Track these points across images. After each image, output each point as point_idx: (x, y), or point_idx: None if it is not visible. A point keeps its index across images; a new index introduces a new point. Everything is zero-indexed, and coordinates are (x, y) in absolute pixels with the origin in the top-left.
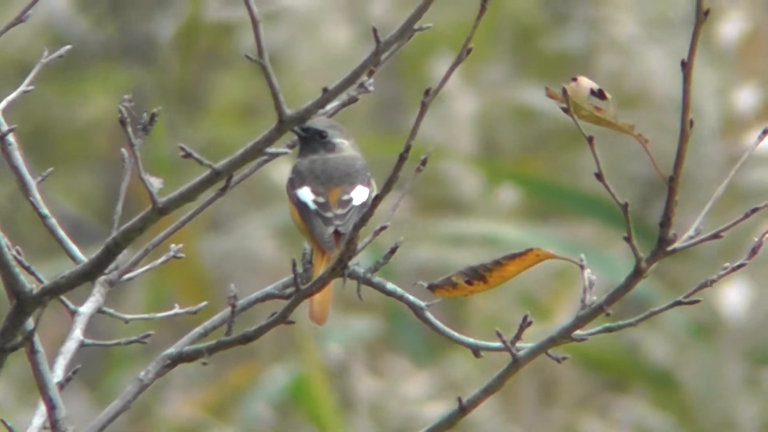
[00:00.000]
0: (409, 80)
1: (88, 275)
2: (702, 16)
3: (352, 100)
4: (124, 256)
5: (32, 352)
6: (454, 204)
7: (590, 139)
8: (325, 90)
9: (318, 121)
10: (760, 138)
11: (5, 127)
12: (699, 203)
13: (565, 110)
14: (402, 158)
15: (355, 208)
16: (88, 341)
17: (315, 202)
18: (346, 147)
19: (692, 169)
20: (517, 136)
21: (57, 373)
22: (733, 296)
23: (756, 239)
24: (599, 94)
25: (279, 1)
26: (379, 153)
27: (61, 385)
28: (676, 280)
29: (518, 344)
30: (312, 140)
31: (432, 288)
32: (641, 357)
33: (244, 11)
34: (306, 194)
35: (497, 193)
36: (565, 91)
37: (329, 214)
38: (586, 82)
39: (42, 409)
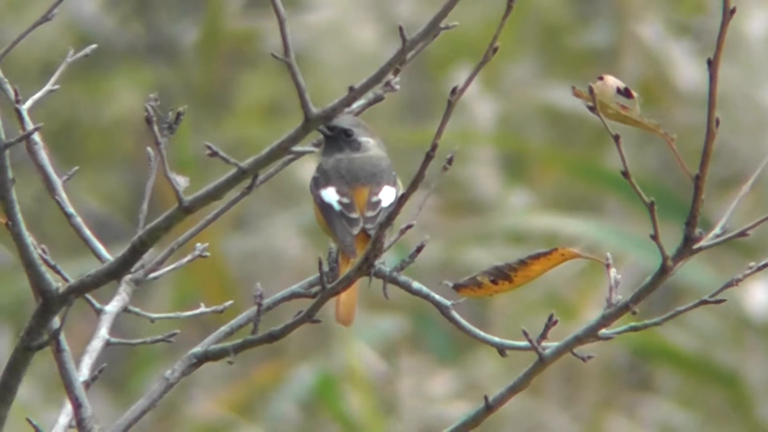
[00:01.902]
0: (435, 80)
1: (113, 274)
2: (728, 15)
3: (378, 98)
4: (150, 255)
5: (58, 351)
6: (476, 205)
7: (617, 138)
8: (351, 88)
9: (343, 120)
10: None
11: (31, 126)
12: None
13: (592, 109)
14: (428, 157)
15: (384, 210)
16: (114, 340)
17: (340, 202)
18: (371, 146)
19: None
20: (543, 134)
21: (83, 372)
22: (759, 295)
23: None
24: (625, 93)
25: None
26: (407, 145)
27: (87, 384)
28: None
29: (544, 343)
30: (337, 139)
31: (457, 287)
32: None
33: (271, 11)
34: (331, 195)
35: (516, 193)
36: (591, 90)
37: (354, 215)
38: (612, 81)
39: (68, 407)
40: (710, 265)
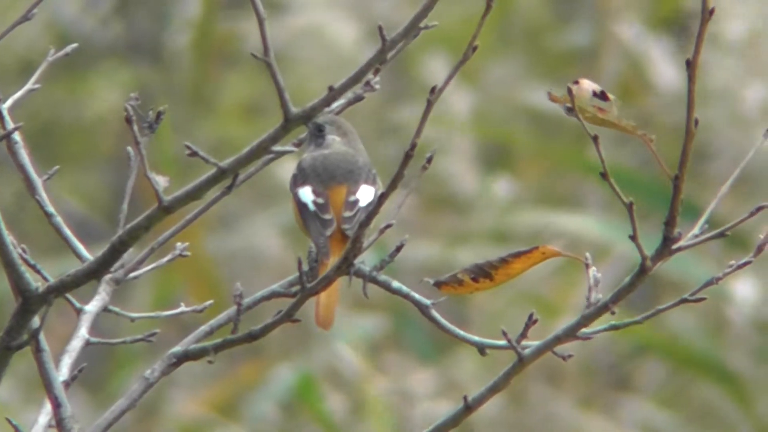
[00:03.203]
0: (412, 78)
1: (93, 273)
2: (707, 15)
3: (358, 98)
4: (130, 255)
5: (38, 351)
6: (456, 201)
7: (595, 138)
8: (330, 88)
9: (319, 116)
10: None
11: (11, 126)
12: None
13: (569, 111)
14: (408, 156)
15: (362, 209)
16: (94, 340)
17: (315, 203)
18: (335, 143)
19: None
20: (524, 133)
21: (62, 372)
22: (741, 292)
23: (762, 237)
24: (602, 96)
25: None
26: (384, 154)
27: (67, 384)
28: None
29: (524, 342)
30: (312, 134)
31: (438, 285)
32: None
33: (251, 11)
34: (307, 194)
35: (498, 186)
36: (570, 92)
37: (327, 216)
38: (587, 85)
39: (47, 407)
40: (696, 252)
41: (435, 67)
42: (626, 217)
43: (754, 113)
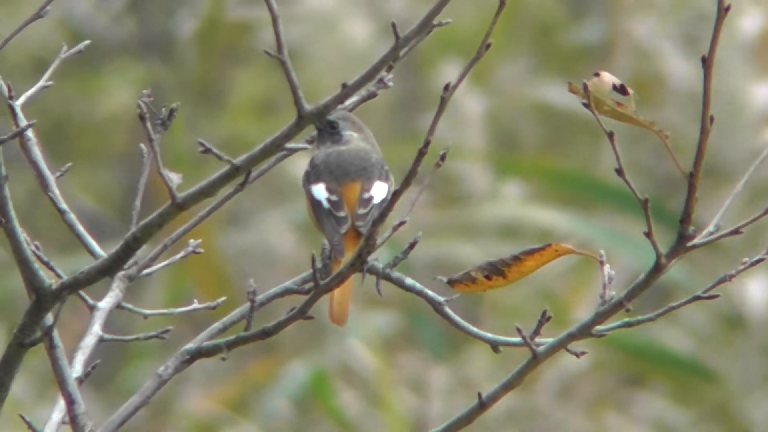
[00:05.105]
0: (426, 76)
1: (107, 270)
2: (723, 12)
3: (371, 95)
4: (143, 252)
5: (51, 348)
6: (467, 201)
7: (611, 135)
8: (344, 85)
9: (332, 113)
10: None
11: (24, 123)
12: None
13: (586, 105)
14: (421, 153)
15: (376, 206)
16: (107, 336)
17: (328, 200)
18: (354, 139)
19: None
20: (535, 131)
21: (76, 369)
22: (754, 290)
23: None
24: (621, 90)
25: None
26: (397, 155)
27: (80, 381)
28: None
29: (537, 339)
30: (324, 131)
31: (451, 283)
32: (667, 348)
33: (264, 8)
34: (320, 191)
35: (508, 188)
36: (586, 87)
37: (341, 214)
38: (608, 77)
39: (61, 404)
40: (690, 266)
41: (449, 72)
42: (634, 221)
43: (764, 112)
